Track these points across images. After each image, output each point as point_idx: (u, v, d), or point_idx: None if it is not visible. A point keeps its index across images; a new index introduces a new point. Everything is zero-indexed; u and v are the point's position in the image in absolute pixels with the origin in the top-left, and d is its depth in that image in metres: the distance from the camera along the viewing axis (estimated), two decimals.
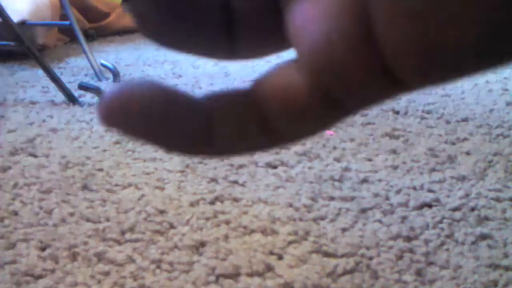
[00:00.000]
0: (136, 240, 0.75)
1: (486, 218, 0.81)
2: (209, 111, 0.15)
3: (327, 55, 0.14)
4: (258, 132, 0.15)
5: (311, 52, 0.14)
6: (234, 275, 0.68)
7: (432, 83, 0.14)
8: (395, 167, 0.97)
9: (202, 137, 0.15)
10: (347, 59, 0.13)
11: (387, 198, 0.86)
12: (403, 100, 1.32)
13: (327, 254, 0.72)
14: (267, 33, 0.16)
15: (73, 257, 0.71)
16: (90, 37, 2.04)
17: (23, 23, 1.64)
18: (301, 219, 0.80)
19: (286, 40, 0.15)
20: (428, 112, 1.26)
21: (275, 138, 0.16)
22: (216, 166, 0.97)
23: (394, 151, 1.04)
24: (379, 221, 0.80)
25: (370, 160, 1.01)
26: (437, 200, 0.85)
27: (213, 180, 0.92)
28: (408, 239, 0.75)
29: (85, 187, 0.89)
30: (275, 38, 0.16)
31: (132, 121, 0.15)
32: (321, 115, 0.15)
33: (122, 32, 2.22)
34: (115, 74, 1.55)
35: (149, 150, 1.04)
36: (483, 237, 0.76)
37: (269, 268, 0.69)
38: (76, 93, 1.35)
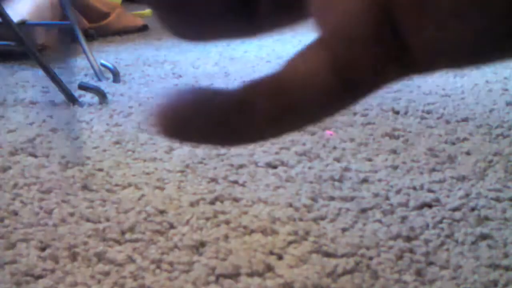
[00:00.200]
0: (136, 240, 0.75)
1: (486, 218, 0.81)
2: (243, 99, 0.16)
3: (347, 34, 0.14)
4: (289, 114, 0.16)
5: (331, 30, 0.15)
6: (234, 275, 0.68)
7: (441, 66, 0.15)
8: (395, 167, 0.98)
9: (240, 126, 0.16)
10: (366, 38, 0.14)
11: (387, 198, 0.86)
12: (403, 100, 1.32)
13: (327, 254, 0.72)
14: (287, 9, 0.16)
15: (73, 257, 0.71)
16: (90, 37, 2.04)
17: (23, 23, 1.64)
18: (301, 219, 0.80)
19: (305, 14, 0.16)
20: (428, 112, 1.26)
21: (302, 119, 0.16)
22: (216, 166, 0.97)
23: (394, 151, 1.04)
24: (379, 221, 0.80)
25: (370, 160, 1.01)
26: (437, 200, 0.85)
27: (213, 180, 0.92)
28: (408, 239, 0.75)
29: (85, 187, 0.89)
30: (295, 13, 0.16)
31: (178, 125, 0.16)
32: (341, 96, 0.16)
33: (122, 32, 2.22)
34: (115, 74, 1.55)
35: (149, 150, 1.04)
36: (483, 237, 0.76)
37: (269, 268, 0.69)
38: (76, 93, 1.35)
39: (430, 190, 0.89)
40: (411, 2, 0.14)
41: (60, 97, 1.35)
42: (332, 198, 0.86)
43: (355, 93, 0.16)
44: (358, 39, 0.14)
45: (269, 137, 0.17)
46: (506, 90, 1.43)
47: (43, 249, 0.73)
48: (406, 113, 1.25)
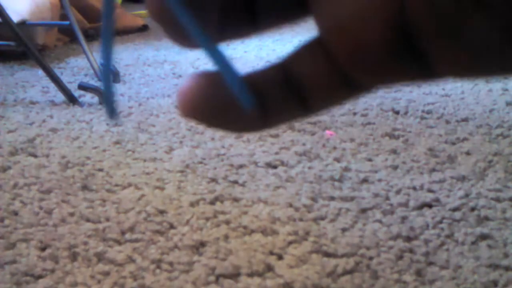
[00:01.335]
0: (136, 240, 0.75)
1: (486, 218, 0.81)
2: (252, 85, 0.16)
3: (350, 33, 0.14)
4: (295, 102, 0.17)
5: (333, 31, 0.15)
6: (234, 275, 0.68)
7: (457, 74, 0.15)
8: (395, 167, 0.97)
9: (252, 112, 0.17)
10: (370, 38, 0.14)
11: (387, 198, 0.86)
12: (403, 100, 1.32)
13: (327, 254, 0.72)
14: (288, 5, 0.16)
15: (73, 257, 0.71)
16: (90, 37, 2.04)
17: (23, 23, 1.64)
18: (301, 219, 0.80)
19: (306, 11, 0.16)
20: (428, 112, 1.26)
21: (308, 108, 0.17)
22: (216, 166, 0.97)
23: (394, 151, 1.04)
24: (379, 221, 0.80)
25: (370, 160, 1.01)
26: (437, 200, 0.85)
27: (213, 180, 0.92)
28: (408, 239, 0.75)
29: (85, 187, 0.89)
30: (296, 10, 0.16)
31: (200, 109, 0.16)
32: (339, 92, 0.16)
33: (122, 32, 2.22)
34: (115, 74, 1.55)
35: (149, 150, 1.04)
36: (483, 237, 0.76)
37: (269, 268, 0.69)
38: (76, 93, 1.35)
39: (430, 190, 0.89)
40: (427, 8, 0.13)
41: (60, 97, 1.35)
42: (332, 198, 0.86)
43: (354, 91, 0.16)
44: (361, 39, 0.14)
45: (274, 125, 0.17)
46: (506, 90, 1.43)
47: (43, 249, 0.73)
48: (406, 113, 1.25)
